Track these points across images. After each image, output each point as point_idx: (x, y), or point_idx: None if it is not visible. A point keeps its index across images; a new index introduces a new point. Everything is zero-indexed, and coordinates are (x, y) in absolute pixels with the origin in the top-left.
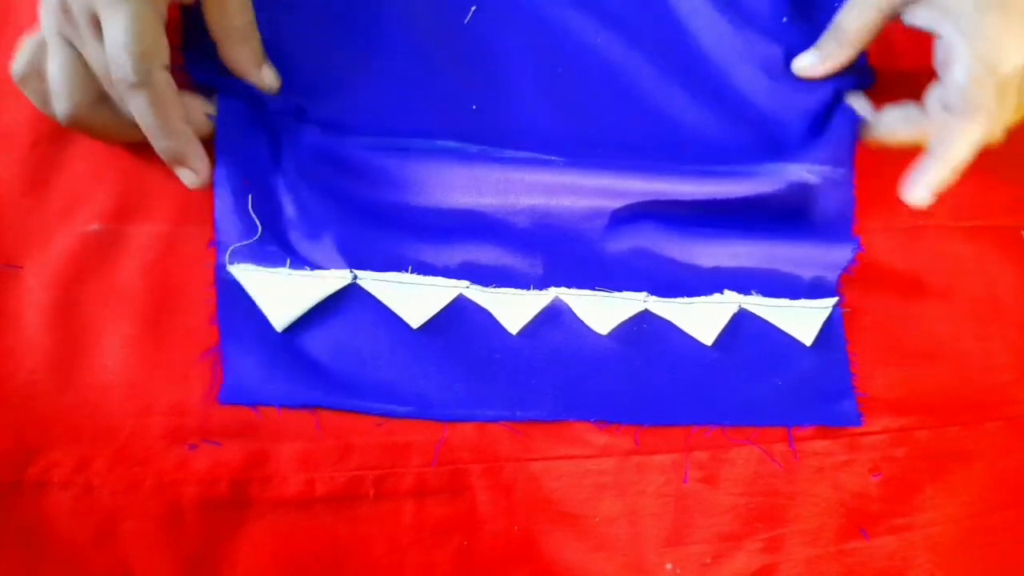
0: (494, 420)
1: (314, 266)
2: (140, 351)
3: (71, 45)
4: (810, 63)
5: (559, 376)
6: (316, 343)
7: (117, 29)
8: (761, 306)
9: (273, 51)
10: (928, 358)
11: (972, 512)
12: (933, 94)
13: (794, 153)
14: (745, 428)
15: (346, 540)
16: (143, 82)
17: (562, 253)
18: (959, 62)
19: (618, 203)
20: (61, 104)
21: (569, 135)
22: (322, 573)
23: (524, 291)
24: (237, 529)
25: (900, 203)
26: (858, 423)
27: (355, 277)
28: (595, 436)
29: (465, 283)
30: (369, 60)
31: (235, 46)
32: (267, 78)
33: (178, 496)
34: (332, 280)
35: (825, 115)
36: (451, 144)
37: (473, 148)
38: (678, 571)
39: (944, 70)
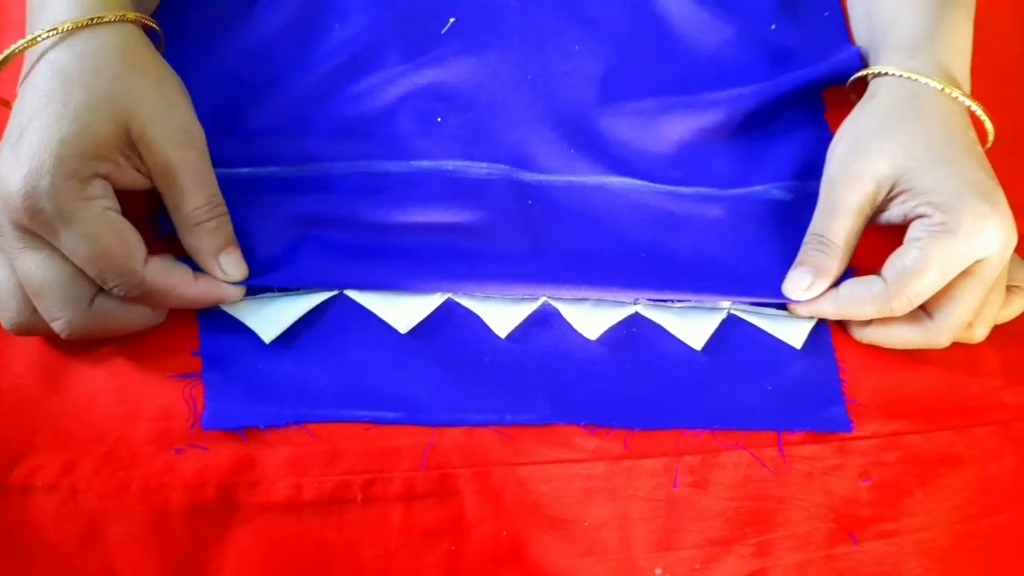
0: (483, 424)
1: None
2: (127, 356)
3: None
4: (808, 283)
5: (549, 380)
6: (302, 354)
7: (78, 242)
8: (751, 312)
9: (234, 96)
10: (918, 363)
11: (962, 517)
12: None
13: (764, 171)
14: (735, 432)
15: (334, 545)
16: (137, 284)
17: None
18: (919, 242)
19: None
20: (4, 315)
21: (549, 145)
22: None
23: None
24: (224, 534)
25: None
26: (847, 429)
27: (342, 289)
28: (585, 440)
29: None
30: (335, 87)
31: (191, 235)
32: (228, 268)
33: (164, 500)
34: (319, 294)
35: (795, 133)
36: (425, 164)
37: (448, 165)
38: None
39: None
